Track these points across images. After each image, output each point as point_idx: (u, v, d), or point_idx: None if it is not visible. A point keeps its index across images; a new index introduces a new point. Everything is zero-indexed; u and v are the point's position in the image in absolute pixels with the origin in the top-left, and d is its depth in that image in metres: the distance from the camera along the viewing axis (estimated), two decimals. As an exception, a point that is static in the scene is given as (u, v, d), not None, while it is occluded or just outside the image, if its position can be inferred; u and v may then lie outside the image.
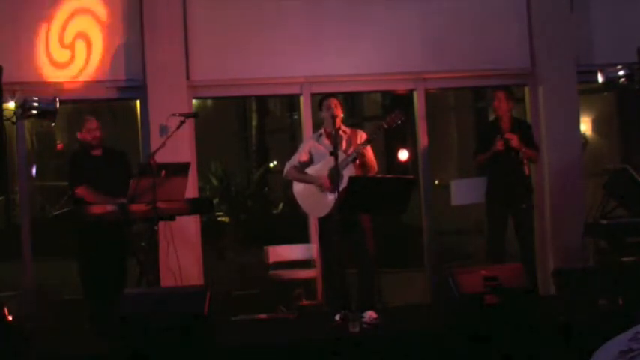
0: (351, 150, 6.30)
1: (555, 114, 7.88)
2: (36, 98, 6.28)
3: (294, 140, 11.78)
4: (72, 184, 6.48)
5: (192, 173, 7.11)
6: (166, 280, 6.66)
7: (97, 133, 6.55)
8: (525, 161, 7.06)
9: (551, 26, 7.93)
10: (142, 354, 5.17)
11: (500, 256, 6.94)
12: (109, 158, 6.60)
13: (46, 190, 12.35)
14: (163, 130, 6.75)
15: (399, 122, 6.30)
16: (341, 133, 6.40)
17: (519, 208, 6.92)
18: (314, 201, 6.41)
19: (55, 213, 6.79)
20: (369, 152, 6.35)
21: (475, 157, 7.22)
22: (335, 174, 6.06)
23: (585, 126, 9.35)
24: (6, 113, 6.07)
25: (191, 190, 7.07)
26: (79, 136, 6.67)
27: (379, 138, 6.71)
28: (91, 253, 6.30)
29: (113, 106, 9.39)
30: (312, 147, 6.54)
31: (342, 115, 6.48)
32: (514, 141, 6.90)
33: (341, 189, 5.91)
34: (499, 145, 6.91)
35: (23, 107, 6.28)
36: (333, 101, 6.43)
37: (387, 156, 12.23)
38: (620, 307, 6.06)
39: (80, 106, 9.43)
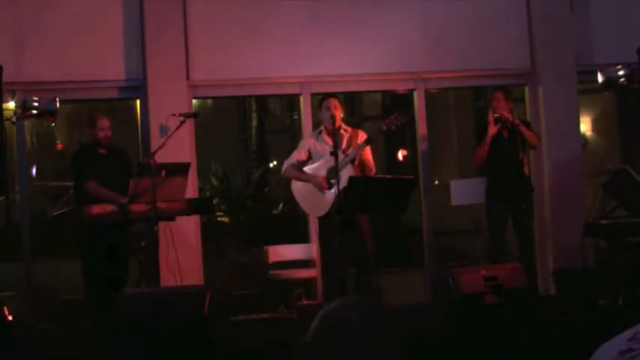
0: (350, 150, 6.30)
1: (555, 114, 7.87)
2: (36, 98, 6.27)
3: (294, 140, 11.78)
4: (80, 180, 6.44)
5: (192, 173, 7.11)
6: (166, 280, 6.66)
7: (109, 133, 6.53)
8: (525, 161, 7.06)
9: (551, 26, 7.92)
10: (142, 354, 5.17)
11: (500, 256, 6.94)
12: (112, 156, 6.59)
13: (46, 190, 12.36)
14: (163, 130, 6.75)
15: (399, 124, 6.31)
16: (342, 132, 6.40)
17: (519, 208, 6.91)
18: (312, 200, 6.42)
19: (55, 213, 6.78)
20: (367, 153, 6.35)
21: (475, 151, 7.18)
22: (334, 173, 6.07)
23: (585, 126, 9.35)
24: (6, 113, 6.07)
25: (191, 190, 7.06)
26: (88, 133, 6.58)
27: (379, 138, 6.71)
28: (93, 253, 6.30)
29: (113, 106, 9.38)
30: (311, 145, 6.55)
31: (341, 116, 6.50)
32: (506, 113, 6.89)
33: (340, 189, 5.91)
34: (493, 124, 6.90)
35: (23, 107, 6.28)
36: (333, 101, 6.44)
37: (387, 156, 12.24)
38: (620, 307, 6.07)
39: (80, 106, 9.44)
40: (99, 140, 6.49)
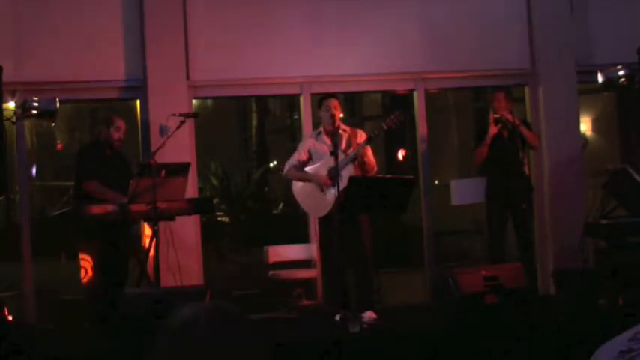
0: (351, 150, 6.30)
1: (555, 114, 7.88)
2: (36, 98, 6.28)
3: (294, 140, 11.80)
4: (82, 177, 6.44)
5: (192, 173, 7.11)
6: (166, 280, 6.66)
7: (123, 136, 6.53)
8: (525, 161, 7.06)
9: (551, 26, 7.93)
10: (142, 354, 5.16)
11: (500, 256, 6.94)
12: (116, 158, 6.60)
13: (46, 190, 12.36)
14: (163, 130, 6.75)
15: (399, 123, 6.31)
16: (341, 132, 6.41)
17: (519, 208, 6.92)
18: (313, 200, 6.41)
19: (55, 213, 6.77)
20: (368, 152, 6.36)
21: (475, 151, 7.18)
22: (334, 173, 6.06)
23: (585, 126, 9.35)
24: (6, 113, 6.07)
25: (191, 190, 7.07)
26: (103, 132, 6.55)
27: (379, 138, 6.71)
28: (93, 253, 6.30)
29: (113, 106, 9.39)
30: (311, 146, 6.55)
31: (341, 116, 6.50)
32: (506, 113, 6.90)
33: (341, 189, 5.91)
34: (493, 125, 6.91)
35: (23, 107, 6.28)
36: (333, 102, 6.43)
37: (387, 156, 12.24)
38: (620, 307, 6.06)
39: (80, 106, 9.44)
40: (112, 141, 6.48)
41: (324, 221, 6.35)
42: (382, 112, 12.83)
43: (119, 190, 6.17)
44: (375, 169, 6.44)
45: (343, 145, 6.34)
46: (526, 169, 7.05)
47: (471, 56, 7.89)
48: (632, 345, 1.47)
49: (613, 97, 9.17)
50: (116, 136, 6.47)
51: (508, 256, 7.10)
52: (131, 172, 6.58)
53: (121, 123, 6.53)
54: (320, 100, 6.61)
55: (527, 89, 8.07)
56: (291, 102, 13.35)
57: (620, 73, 6.82)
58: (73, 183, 6.96)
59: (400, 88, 8.24)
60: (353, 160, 6.22)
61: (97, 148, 6.56)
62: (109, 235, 6.21)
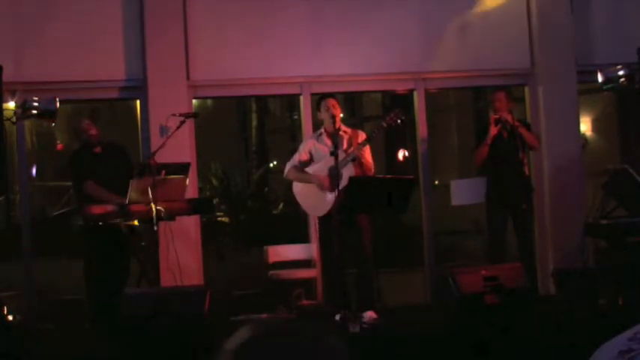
0: (351, 150, 6.30)
1: (555, 114, 7.87)
2: (36, 98, 6.28)
3: (294, 140, 11.79)
4: (79, 181, 6.47)
5: (192, 173, 7.11)
6: (166, 280, 6.66)
7: (94, 131, 6.59)
8: (525, 161, 7.06)
9: (551, 26, 7.93)
10: (142, 354, 5.17)
11: (500, 256, 6.94)
12: (110, 153, 6.63)
13: (46, 190, 12.36)
14: (163, 130, 6.75)
15: (399, 121, 6.31)
16: (342, 133, 6.41)
17: (519, 208, 6.91)
18: (314, 200, 6.42)
19: (55, 213, 6.80)
20: (366, 153, 6.35)
21: (475, 152, 7.18)
22: (335, 173, 6.06)
23: (585, 126, 9.35)
24: (6, 113, 6.08)
25: (191, 190, 7.07)
26: (79, 137, 6.65)
27: (379, 138, 6.71)
28: (93, 253, 6.30)
29: (113, 106, 9.39)
30: (312, 146, 6.55)
31: (341, 115, 6.50)
32: (505, 114, 6.90)
33: (341, 188, 5.91)
34: (493, 125, 6.91)
35: (23, 107, 6.29)
36: (331, 101, 6.44)
37: (387, 156, 12.24)
38: (620, 307, 6.06)
39: (80, 106, 9.44)
40: (91, 141, 6.54)
41: (324, 221, 6.34)
42: (382, 112, 12.82)
43: (118, 184, 6.20)
44: (373, 170, 6.43)
45: (344, 145, 6.34)
46: (526, 169, 7.04)
47: (471, 56, 7.88)
48: (632, 345, 1.47)
49: (613, 97, 9.17)
50: (88, 134, 6.55)
51: (508, 256, 7.10)
52: (131, 163, 6.62)
53: (86, 124, 6.64)
54: (318, 100, 6.61)
55: (527, 89, 8.07)
56: (291, 102, 13.34)
57: (620, 73, 6.81)
58: (72, 185, 7.00)
59: (400, 88, 8.24)
60: (353, 159, 6.22)
61: (84, 150, 6.61)
62: (110, 235, 6.21)
